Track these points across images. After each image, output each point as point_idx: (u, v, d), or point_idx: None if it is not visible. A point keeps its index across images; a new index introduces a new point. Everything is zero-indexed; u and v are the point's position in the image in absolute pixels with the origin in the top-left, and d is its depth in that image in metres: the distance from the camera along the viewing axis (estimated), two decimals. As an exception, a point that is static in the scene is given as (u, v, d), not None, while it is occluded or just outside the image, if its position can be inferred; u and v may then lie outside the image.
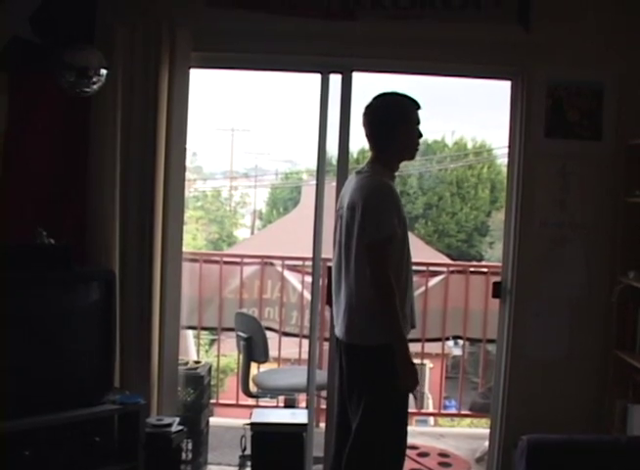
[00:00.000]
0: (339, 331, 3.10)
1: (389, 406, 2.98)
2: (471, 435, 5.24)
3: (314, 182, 4.01)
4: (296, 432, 3.76)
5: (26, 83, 3.54)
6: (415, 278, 5.67)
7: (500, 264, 4.00)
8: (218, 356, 6.15)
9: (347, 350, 3.06)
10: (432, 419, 7.51)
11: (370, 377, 2.97)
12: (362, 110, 3.12)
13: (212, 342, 9.83)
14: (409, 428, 3.15)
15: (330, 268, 3.29)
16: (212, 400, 4.91)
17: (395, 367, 2.90)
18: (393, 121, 3.04)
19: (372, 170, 3.05)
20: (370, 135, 3.10)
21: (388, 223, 2.90)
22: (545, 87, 3.74)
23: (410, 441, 3.21)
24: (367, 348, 2.97)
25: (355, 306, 2.99)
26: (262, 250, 10.54)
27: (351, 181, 3.13)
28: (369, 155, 3.14)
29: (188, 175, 4.12)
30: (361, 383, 3.00)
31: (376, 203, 2.93)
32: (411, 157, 3.19)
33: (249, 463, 3.88)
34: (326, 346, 4.22)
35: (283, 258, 6.07)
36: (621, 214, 3.72)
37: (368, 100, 3.13)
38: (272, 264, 6.02)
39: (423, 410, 8.09)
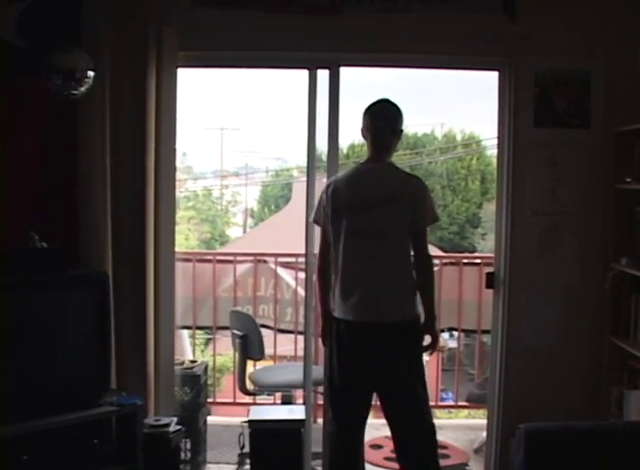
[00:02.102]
0: (379, 316, 3.22)
1: (423, 369, 3.33)
2: (468, 426, 5.25)
3: (304, 179, 4.02)
4: (293, 428, 3.76)
5: (14, 87, 3.52)
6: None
7: (493, 255, 4.02)
8: (214, 355, 6.14)
9: (394, 328, 3.22)
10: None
11: (414, 346, 3.30)
12: (379, 114, 3.32)
13: (208, 341, 9.80)
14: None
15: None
16: (209, 399, 4.91)
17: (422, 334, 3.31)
18: (400, 128, 3.36)
19: (392, 166, 3.34)
20: (390, 141, 3.34)
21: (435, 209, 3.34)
22: (532, 77, 3.75)
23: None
24: (411, 321, 3.27)
25: (401, 287, 3.25)
26: (255, 247, 10.52)
27: (371, 174, 3.29)
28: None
29: (178, 175, 4.12)
30: (407, 355, 3.27)
31: (428, 192, 3.30)
32: None
33: (247, 461, 3.88)
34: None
35: (276, 256, 6.06)
36: (612, 201, 3.74)
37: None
38: (265, 262, 6.03)
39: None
